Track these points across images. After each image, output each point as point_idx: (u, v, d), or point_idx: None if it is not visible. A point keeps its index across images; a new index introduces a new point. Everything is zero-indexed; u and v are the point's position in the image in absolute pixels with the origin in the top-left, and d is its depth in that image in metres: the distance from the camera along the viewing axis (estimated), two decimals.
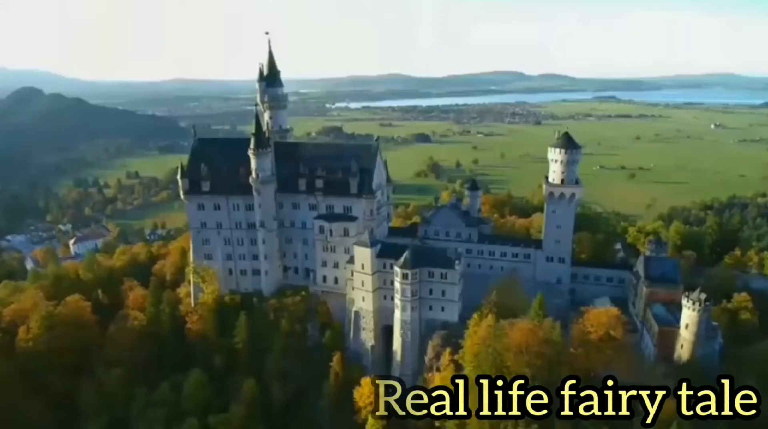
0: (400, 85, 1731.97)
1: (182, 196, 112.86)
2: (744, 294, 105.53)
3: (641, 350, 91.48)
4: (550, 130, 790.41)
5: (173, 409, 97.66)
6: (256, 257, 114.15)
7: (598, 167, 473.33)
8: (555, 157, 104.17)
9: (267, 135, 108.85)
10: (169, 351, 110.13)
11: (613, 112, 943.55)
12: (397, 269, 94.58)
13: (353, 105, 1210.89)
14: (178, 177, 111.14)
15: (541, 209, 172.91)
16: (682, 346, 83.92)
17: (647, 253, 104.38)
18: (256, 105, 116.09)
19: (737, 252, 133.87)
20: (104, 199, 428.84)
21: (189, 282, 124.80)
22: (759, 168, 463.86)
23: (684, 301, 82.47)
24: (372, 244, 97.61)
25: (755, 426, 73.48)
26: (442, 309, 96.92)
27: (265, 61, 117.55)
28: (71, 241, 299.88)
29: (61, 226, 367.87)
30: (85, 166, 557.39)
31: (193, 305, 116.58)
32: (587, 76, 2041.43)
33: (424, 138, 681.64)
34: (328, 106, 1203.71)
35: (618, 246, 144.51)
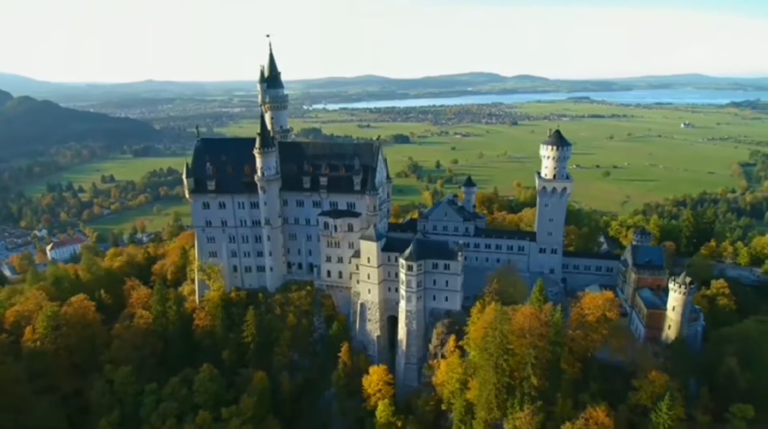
0: (376, 87, 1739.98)
1: (187, 195, 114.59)
2: (721, 281, 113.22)
3: (631, 332, 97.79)
4: (526, 130, 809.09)
5: (185, 403, 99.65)
6: (260, 254, 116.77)
7: (574, 166, 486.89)
8: (547, 153, 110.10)
9: (271, 134, 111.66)
10: (176, 347, 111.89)
11: (587, 113, 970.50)
12: (402, 261, 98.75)
13: (331, 106, 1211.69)
14: (183, 176, 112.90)
15: (527, 205, 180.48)
16: (669, 326, 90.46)
17: (634, 242, 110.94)
18: (266, 103, 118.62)
19: (713, 243, 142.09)
20: (79, 204, 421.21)
21: (191, 280, 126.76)
22: (727, 165, 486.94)
23: (671, 285, 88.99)
24: (377, 238, 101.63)
25: (734, 396, 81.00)
26: (446, 299, 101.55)
27: (266, 62, 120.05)
28: (48, 247, 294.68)
29: (36, 232, 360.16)
30: (57, 170, 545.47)
31: (197, 302, 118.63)
32: (560, 77, 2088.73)
33: (403, 139, 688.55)
34: (305, 107, 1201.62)
35: (601, 238, 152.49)
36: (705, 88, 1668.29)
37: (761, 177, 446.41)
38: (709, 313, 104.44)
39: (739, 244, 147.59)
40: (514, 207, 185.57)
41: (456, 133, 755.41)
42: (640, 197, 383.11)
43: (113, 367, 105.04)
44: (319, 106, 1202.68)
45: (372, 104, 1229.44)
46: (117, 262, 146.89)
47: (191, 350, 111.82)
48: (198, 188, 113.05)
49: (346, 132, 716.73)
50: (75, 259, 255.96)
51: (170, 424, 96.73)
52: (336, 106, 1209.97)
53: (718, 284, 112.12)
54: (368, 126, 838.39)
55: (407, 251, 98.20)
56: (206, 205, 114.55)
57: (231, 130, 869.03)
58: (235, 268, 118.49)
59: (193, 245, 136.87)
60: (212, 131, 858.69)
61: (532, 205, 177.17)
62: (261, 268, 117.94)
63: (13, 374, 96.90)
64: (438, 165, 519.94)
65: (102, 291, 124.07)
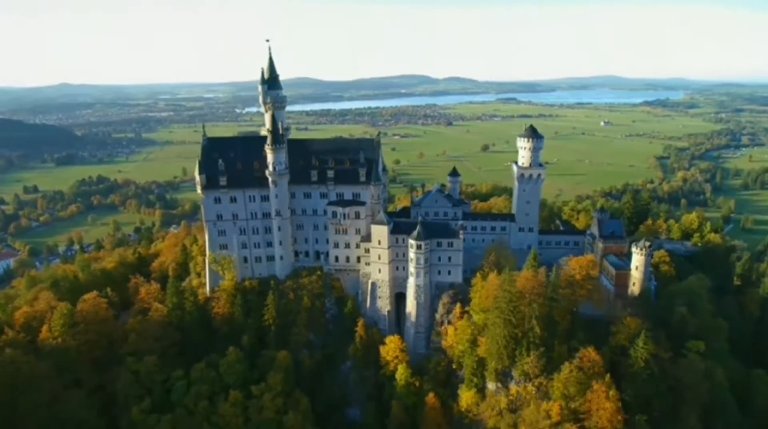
0: (309, 89, 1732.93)
1: (199, 191, 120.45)
2: (662, 251, 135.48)
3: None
4: (461, 130, 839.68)
5: (215, 385, 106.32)
6: (270, 244, 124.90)
7: (508, 163, 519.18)
8: (523, 145, 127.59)
9: (281, 133, 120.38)
10: (195, 336, 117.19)
11: (516, 113, 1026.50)
12: (411, 241, 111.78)
13: None
14: (195, 173, 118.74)
15: (492, 195, 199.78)
16: (634, 283, 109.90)
17: (598, 218, 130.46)
18: (267, 104, 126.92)
19: (650, 222, 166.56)
20: (4, 217, 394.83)
21: (197, 273, 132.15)
22: (645, 159, 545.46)
23: (634, 249, 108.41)
24: (388, 222, 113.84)
25: (686, 338, 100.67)
26: (449, 272, 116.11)
27: (265, 65, 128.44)
28: None
29: None
30: None
31: (208, 293, 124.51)
32: (488, 79, 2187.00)
33: None
34: (237, 110, 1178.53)
35: (557, 221, 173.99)
36: (620, 89, 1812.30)
37: (675, 168, 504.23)
38: (655, 277, 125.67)
39: (671, 221, 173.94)
40: (478, 197, 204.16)
41: (394, 134, 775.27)
42: (571, 190, 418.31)
43: (136, 359, 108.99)
44: (253, 110, 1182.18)
45: (307, 107, 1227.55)
46: (111, 263, 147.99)
47: (209, 338, 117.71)
48: (210, 184, 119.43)
49: None
50: (9, 274, 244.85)
51: (203, 406, 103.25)
52: None
53: (659, 254, 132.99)
54: (306, 129, 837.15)
55: (415, 232, 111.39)
56: (218, 200, 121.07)
57: (161, 136, 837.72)
58: (245, 259, 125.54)
59: (194, 241, 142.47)
60: (140, 137, 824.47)
61: (496, 195, 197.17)
62: (270, 258, 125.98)
63: (42, 371, 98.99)
64: None
65: (109, 289, 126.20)
